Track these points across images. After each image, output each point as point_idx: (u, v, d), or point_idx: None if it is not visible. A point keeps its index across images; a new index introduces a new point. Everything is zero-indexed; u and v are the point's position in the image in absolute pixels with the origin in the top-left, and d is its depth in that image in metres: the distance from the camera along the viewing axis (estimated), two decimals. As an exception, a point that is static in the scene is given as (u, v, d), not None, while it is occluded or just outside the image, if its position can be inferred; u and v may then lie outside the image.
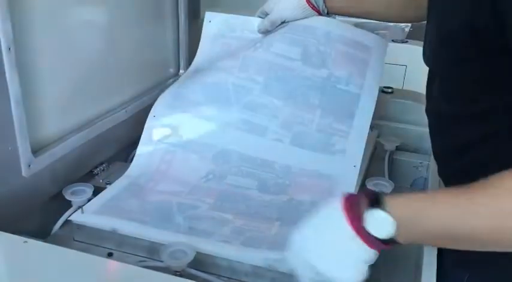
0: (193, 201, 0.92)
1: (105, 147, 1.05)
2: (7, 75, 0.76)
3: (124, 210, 0.87)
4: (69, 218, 0.85)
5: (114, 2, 1.06)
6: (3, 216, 0.77)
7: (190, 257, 0.73)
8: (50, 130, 0.91)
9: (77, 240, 0.84)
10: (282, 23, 1.06)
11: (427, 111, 0.86)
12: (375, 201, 0.59)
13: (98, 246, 0.83)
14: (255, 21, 1.09)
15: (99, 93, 1.04)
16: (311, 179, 0.96)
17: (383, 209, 0.58)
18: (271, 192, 0.95)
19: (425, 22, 0.82)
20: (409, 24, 2.31)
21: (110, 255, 0.81)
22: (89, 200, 0.88)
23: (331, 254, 0.60)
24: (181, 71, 1.35)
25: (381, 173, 1.10)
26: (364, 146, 0.98)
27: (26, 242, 0.68)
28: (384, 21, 1.76)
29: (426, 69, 0.84)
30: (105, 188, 0.94)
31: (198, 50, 1.13)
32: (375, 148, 1.16)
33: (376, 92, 1.03)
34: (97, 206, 0.87)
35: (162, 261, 0.74)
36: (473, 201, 0.56)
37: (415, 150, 1.27)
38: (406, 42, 2.03)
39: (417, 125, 1.29)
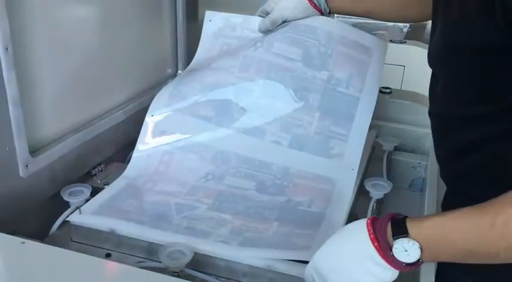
0: (191, 201, 0.91)
1: (103, 147, 1.05)
2: (4, 75, 0.76)
3: (122, 210, 0.87)
4: (67, 219, 0.84)
5: (111, 2, 1.05)
6: (0, 217, 0.77)
7: (188, 257, 0.73)
8: (48, 130, 0.91)
9: (74, 241, 0.84)
10: (283, 22, 1.05)
11: (430, 113, 0.86)
12: (399, 225, 0.61)
13: (96, 247, 0.83)
14: (255, 21, 1.08)
15: (97, 94, 1.04)
16: (309, 181, 0.96)
17: (409, 237, 0.60)
18: (269, 193, 0.95)
19: (424, 23, 0.82)
20: (408, 25, 2.31)
21: (108, 256, 0.81)
22: (87, 200, 0.88)
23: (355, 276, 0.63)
24: (179, 71, 1.35)
25: (379, 173, 1.10)
26: (362, 149, 0.98)
27: (23, 242, 0.67)
28: (386, 20, 1.76)
29: (424, 69, 0.84)
30: (103, 188, 0.94)
31: (198, 49, 1.13)
32: (373, 148, 1.16)
33: (375, 96, 1.02)
34: (95, 207, 0.87)
35: (160, 262, 0.74)
36: (495, 223, 0.57)
37: (413, 151, 1.27)
38: (405, 42, 2.02)
39: (415, 125, 1.29)
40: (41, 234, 0.84)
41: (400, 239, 0.60)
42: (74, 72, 0.96)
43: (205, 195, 0.93)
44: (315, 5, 1.03)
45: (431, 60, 0.80)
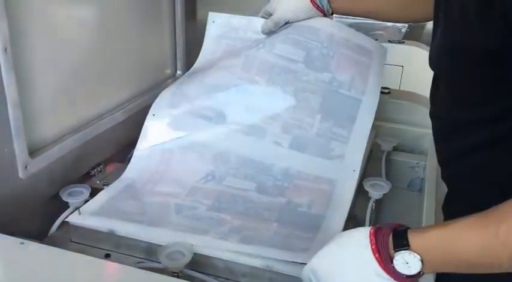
0: (191, 202, 0.91)
1: (102, 148, 1.05)
2: (3, 76, 0.76)
3: (121, 211, 0.87)
4: (66, 219, 0.84)
5: (110, 3, 1.06)
6: (0, 218, 0.76)
7: (188, 258, 0.73)
8: (47, 131, 0.91)
9: (74, 242, 0.84)
10: (286, 23, 1.05)
11: (431, 115, 0.86)
12: (401, 237, 0.62)
13: (95, 247, 0.83)
14: (258, 22, 1.08)
15: (96, 95, 1.04)
16: (309, 182, 0.96)
17: (410, 249, 0.61)
18: (269, 194, 0.95)
19: (423, 23, 0.83)
20: (406, 25, 2.31)
21: (107, 256, 0.81)
22: (86, 201, 0.88)
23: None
24: (178, 72, 1.35)
25: (378, 174, 1.10)
26: (363, 151, 0.98)
27: (23, 243, 0.68)
28: (388, 21, 1.76)
29: (423, 70, 0.84)
30: (102, 189, 0.94)
31: (202, 49, 1.13)
32: (372, 149, 1.16)
33: (377, 98, 1.02)
34: (94, 207, 0.87)
35: (159, 263, 0.74)
36: (497, 233, 0.57)
37: (412, 151, 1.27)
38: (403, 42, 2.03)
39: (414, 125, 1.29)
40: (40, 235, 0.84)
41: (402, 252, 0.61)
42: (73, 73, 0.96)
43: (205, 196, 0.93)
44: (318, 6, 1.03)
45: (433, 63, 0.80)
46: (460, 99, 0.76)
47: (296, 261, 0.74)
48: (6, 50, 0.75)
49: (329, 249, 0.66)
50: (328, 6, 1.04)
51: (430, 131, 0.88)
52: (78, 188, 0.90)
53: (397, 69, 1.94)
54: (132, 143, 1.02)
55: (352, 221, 0.92)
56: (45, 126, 0.90)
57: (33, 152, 0.86)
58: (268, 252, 0.76)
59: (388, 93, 1.36)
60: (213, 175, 0.97)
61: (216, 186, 0.96)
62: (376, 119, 1.02)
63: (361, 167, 0.96)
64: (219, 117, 1.02)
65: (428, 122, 0.88)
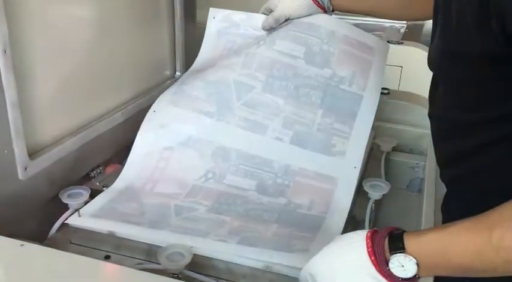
0: (191, 203, 0.91)
1: (101, 149, 1.05)
2: (3, 77, 0.76)
3: (121, 213, 0.87)
4: (66, 221, 0.84)
5: (109, 4, 1.06)
6: (-1, 219, 0.77)
7: (187, 259, 0.73)
8: (47, 133, 0.91)
9: (73, 243, 0.84)
10: (286, 20, 1.05)
11: (429, 115, 0.86)
12: (396, 240, 0.61)
13: (95, 249, 0.82)
14: (259, 18, 1.09)
15: (96, 96, 1.04)
16: (310, 179, 0.96)
17: (406, 252, 0.61)
18: (269, 194, 0.95)
19: (422, 23, 0.82)
20: (405, 26, 2.31)
21: (107, 257, 0.81)
22: (86, 203, 0.88)
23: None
24: (177, 73, 1.35)
25: (378, 174, 1.10)
26: (364, 147, 0.98)
27: (22, 245, 0.68)
28: (389, 19, 1.76)
29: (422, 70, 0.84)
30: (102, 190, 0.94)
31: (202, 46, 1.13)
32: (371, 149, 1.16)
33: (378, 94, 1.02)
34: (94, 209, 0.87)
35: (159, 264, 0.73)
36: (490, 238, 0.56)
37: (411, 151, 1.27)
38: (402, 43, 2.03)
39: (413, 125, 1.29)
40: (40, 237, 0.83)
41: (397, 255, 0.61)
42: (72, 74, 0.96)
43: (204, 196, 0.93)
44: (318, 3, 1.03)
45: (432, 64, 0.80)
46: (458, 99, 0.76)
47: (293, 266, 0.73)
48: (5, 52, 0.75)
49: (326, 252, 0.66)
50: (329, 4, 1.05)
51: (429, 132, 0.88)
52: (77, 190, 0.90)
53: (396, 69, 1.94)
54: (131, 145, 1.02)
55: (352, 222, 0.92)
56: (45, 127, 0.90)
57: (32, 153, 0.86)
58: (266, 255, 0.76)
59: (388, 93, 1.36)
60: (213, 172, 0.97)
61: (216, 185, 0.96)
62: (375, 119, 1.02)
63: (362, 164, 0.96)
64: (219, 113, 1.01)
65: (427, 122, 0.88)
